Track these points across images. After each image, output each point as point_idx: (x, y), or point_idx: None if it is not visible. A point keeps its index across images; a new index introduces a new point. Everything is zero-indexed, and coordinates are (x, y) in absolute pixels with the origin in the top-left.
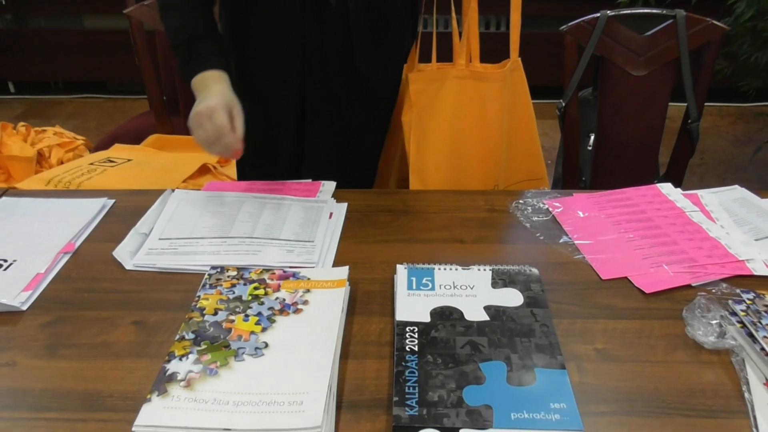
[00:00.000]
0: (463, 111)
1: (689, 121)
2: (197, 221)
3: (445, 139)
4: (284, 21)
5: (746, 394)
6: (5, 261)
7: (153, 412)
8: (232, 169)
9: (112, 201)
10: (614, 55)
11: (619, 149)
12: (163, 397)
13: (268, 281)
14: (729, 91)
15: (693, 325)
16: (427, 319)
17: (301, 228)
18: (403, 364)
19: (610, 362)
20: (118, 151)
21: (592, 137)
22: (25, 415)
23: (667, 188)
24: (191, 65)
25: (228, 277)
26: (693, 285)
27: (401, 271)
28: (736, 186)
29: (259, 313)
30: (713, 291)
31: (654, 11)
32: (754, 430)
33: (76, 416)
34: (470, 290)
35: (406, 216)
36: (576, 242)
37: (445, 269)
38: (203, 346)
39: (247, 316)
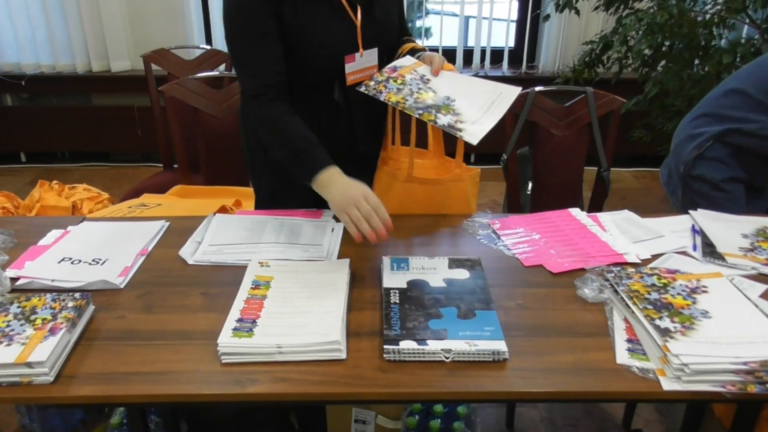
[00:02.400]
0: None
1: (601, 170)
2: (236, 233)
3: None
4: (302, 113)
5: (609, 323)
6: (101, 259)
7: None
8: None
9: (168, 223)
10: (542, 120)
11: (550, 192)
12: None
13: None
14: (657, 158)
15: (581, 288)
16: (404, 286)
17: (312, 237)
18: (389, 308)
19: (525, 310)
20: (149, 198)
21: (530, 184)
22: (138, 343)
23: (575, 211)
24: (312, 168)
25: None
26: (585, 268)
27: (386, 260)
28: (626, 210)
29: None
30: (597, 270)
31: (570, 88)
32: (612, 341)
33: (175, 342)
34: (433, 270)
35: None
36: (508, 244)
37: (416, 258)
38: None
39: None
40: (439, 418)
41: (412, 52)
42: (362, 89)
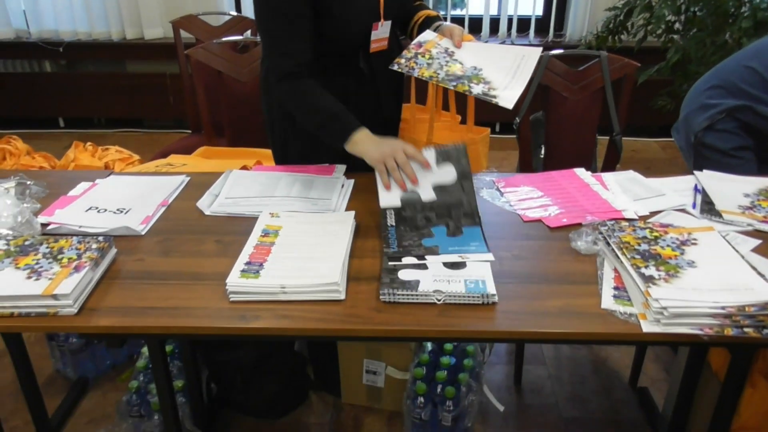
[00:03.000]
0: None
1: (613, 134)
2: (251, 186)
3: None
4: (330, 82)
5: (599, 273)
6: (124, 209)
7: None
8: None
9: (188, 178)
10: (556, 85)
11: (562, 157)
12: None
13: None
14: None
15: (575, 240)
16: (398, 204)
17: (322, 192)
18: (386, 230)
19: (519, 260)
20: (175, 158)
21: (543, 149)
22: (155, 282)
23: (580, 171)
24: (346, 129)
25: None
26: (582, 224)
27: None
28: (631, 170)
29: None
30: (593, 225)
31: (584, 52)
32: (600, 289)
33: (188, 282)
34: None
35: None
36: (510, 201)
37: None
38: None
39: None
40: (446, 370)
41: (428, 21)
42: (395, 68)
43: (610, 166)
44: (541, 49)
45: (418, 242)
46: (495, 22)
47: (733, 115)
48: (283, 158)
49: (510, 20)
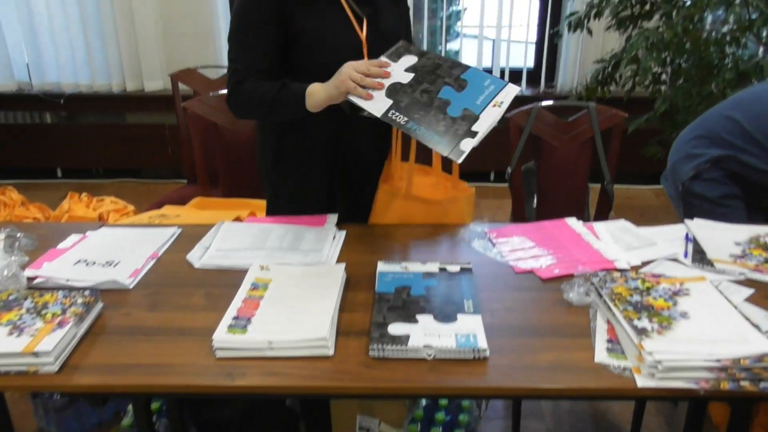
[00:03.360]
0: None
1: (605, 182)
2: (242, 238)
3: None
4: (309, 123)
5: (592, 325)
6: (113, 261)
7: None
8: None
9: (181, 230)
10: (546, 135)
11: (555, 206)
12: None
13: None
14: None
15: (567, 292)
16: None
17: (314, 243)
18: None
19: (511, 312)
20: (169, 209)
21: (535, 198)
22: (141, 337)
23: (571, 221)
24: (297, 95)
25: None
26: (575, 275)
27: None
28: (622, 219)
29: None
30: (585, 276)
31: (573, 103)
32: (593, 342)
33: (175, 337)
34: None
35: (385, 238)
36: (502, 252)
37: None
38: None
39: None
40: (441, 426)
41: None
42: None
43: (602, 214)
44: (518, 88)
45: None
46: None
47: (719, 165)
48: (273, 198)
49: (502, 72)
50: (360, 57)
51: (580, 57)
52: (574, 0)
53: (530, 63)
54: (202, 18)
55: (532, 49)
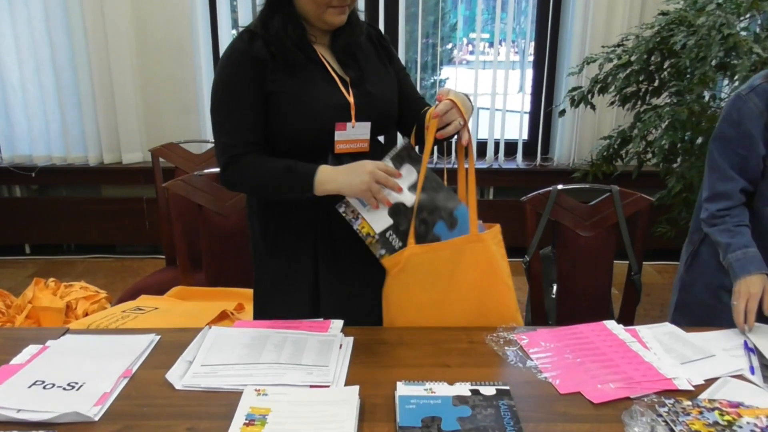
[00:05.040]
0: (431, 279)
1: (632, 273)
2: (232, 351)
3: (419, 307)
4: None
5: None
6: (77, 383)
7: None
8: (247, 315)
9: (159, 336)
10: (566, 220)
11: (577, 297)
12: None
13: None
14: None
15: (630, 425)
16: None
17: (317, 356)
18: None
19: None
20: (145, 300)
21: (555, 287)
22: None
23: (611, 325)
24: (307, 173)
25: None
26: (631, 397)
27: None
28: (667, 323)
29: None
30: (645, 400)
31: (594, 186)
32: None
33: None
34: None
35: (401, 347)
36: (539, 365)
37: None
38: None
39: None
40: None
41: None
42: (341, 209)
43: (629, 306)
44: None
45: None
46: (482, 146)
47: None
48: (260, 272)
49: (497, 144)
50: (346, 119)
51: (577, 129)
52: (567, 76)
53: (525, 135)
54: (185, 89)
55: (526, 119)
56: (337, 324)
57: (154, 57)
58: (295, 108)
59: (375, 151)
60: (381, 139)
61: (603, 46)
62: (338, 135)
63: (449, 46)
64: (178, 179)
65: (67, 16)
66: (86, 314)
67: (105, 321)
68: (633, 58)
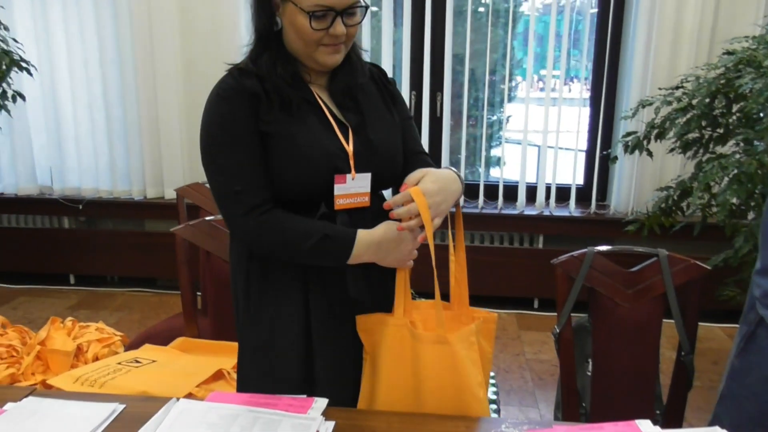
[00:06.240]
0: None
1: (682, 354)
2: (196, 428)
3: (389, 387)
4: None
5: None
6: None
7: None
8: None
9: (123, 406)
10: (603, 287)
11: (617, 376)
12: None
13: None
14: None
15: None
16: None
17: None
18: None
19: None
20: (146, 351)
21: (590, 363)
22: None
23: (645, 426)
24: (347, 238)
25: None
26: None
27: None
28: (716, 426)
29: None
30: None
31: (637, 249)
32: None
33: None
34: None
35: None
36: None
37: None
38: None
39: None
40: None
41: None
42: None
43: (678, 393)
44: None
45: None
46: (532, 190)
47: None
48: (244, 345)
49: (548, 188)
50: (345, 168)
51: (636, 175)
52: (621, 120)
53: (579, 179)
54: None
55: (581, 158)
56: (321, 403)
57: (199, 96)
58: (289, 153)
59: (376, 207)
60: (387, 193)
61: (660, 88)
62: (338, 189)
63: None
64: (185, 225)
65: (119, 54)
66: (96, 358)
67: (95, 374)
68: (694, 102)
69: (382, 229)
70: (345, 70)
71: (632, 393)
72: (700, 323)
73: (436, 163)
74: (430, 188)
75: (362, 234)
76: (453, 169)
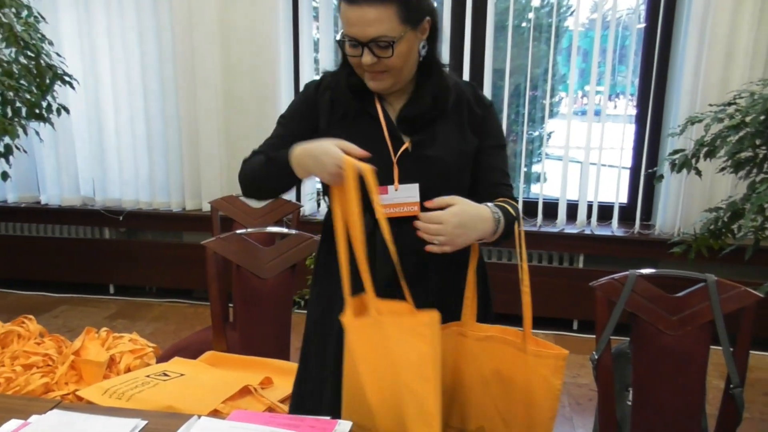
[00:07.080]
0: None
1: (731, 387)
2: None
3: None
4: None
5: None
6: None
7: None
8: (271, 393)
9: (145, 422)
10: (645, 313)
11: (659, 408)
12: None
13: None
14: None
15: None
16: None
17: None
18: None
19: None
20: (175, 365)
21: (630, 392)
22: None
23: None
24: (285, 154)
25: None
26: None
27: None
28: None
29: None
30: None
31: (683, 274)
32: None
33: None
34: None
35: None
36: None
37: None
38: None
39: None
40: None
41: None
42: None
43: (728, 426)
44: None
45: None
46: (573, 208)
47: None
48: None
49: (590, 206)
50: (385, 180)
51: (683, 193)
52: (668, 137)
53: (623, 198)
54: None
55: (625, 176)
56: (344, 426)
57: (239, 109)
58: None
59: None
60: None
61: (710, 105)
62: (381, 198)
63: (554, 99)
64: (216, 238)
65: (160, 68)
66: (128, 369)
67: (124, 386)
68: (748, 119)
69: (315, 145)
70: (413, 98)
71: (676, 425)
72: (750, 351)
73: None
74: (456, 219)
75: (297, 144)
76: (494, 207)
